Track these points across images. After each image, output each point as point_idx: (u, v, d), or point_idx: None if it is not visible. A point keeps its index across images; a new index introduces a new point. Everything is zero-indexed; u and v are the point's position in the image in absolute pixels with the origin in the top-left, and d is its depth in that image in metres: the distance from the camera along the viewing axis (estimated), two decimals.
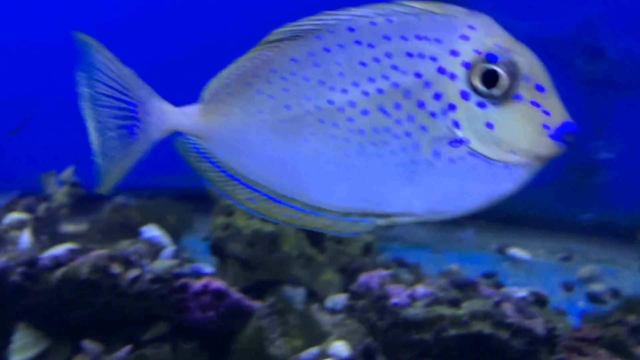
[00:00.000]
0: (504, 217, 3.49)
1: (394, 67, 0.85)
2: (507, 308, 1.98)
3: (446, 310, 1.95)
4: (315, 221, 0.92)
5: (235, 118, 0.92)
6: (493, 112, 0.84)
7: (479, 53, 0.83)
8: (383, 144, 0.87)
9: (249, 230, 2.20)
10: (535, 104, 0.84)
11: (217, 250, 2.32)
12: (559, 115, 0.86)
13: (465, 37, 0.84)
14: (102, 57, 0.96)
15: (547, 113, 0.85)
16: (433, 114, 0.85)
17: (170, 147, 3.16)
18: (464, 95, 0.84)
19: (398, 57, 0.85)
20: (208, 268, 1.71)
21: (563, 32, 3.16)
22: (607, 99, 3.23)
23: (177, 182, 3.13)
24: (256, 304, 1.69)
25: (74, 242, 2.20)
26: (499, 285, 2.17)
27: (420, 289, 2.08)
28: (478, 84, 0.83)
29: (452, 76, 0.84)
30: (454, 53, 0.84)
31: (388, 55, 0.86)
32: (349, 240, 2.46)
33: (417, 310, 1.97)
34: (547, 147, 0.87)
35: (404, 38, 0.85)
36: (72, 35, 0.98)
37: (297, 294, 2.36)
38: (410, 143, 0.86)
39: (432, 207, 0.90)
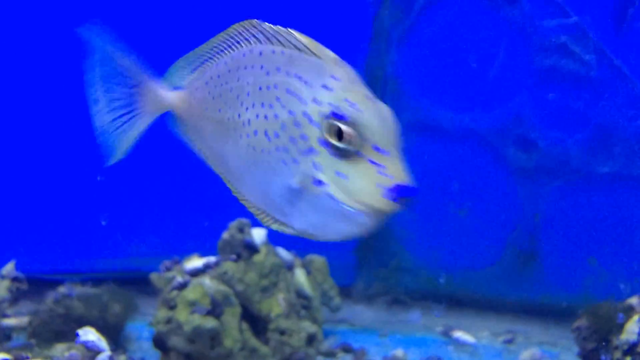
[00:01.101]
0: (449, 298, 3.46)
1: (278, 99, 0.91)
2: None
3: None
4: (249, 207, 0.99)
5: (195, 109, 1.01)
6: (342, 164, 0.88)
7: (333, 106, 0.87)
8: (267, 164, 0.93)
9: (190, 326, 2.12)
10: (373, 162, 0.87)
11: (159, 343, 2.23)
12: (392, 176, 0.88)
13: (326, 88, 0.88)
14: (106, 46, 1.04)
15: (383, 173, 0.88)
16: (301, 152, 0.90)
17: (113, 232, 3.05)
18: (322, 143, 0.89)
19: (281, 91, 0.91)
20: None
21: (496, 123, 3.21)
22: (539, 187, 3.27)
23: (122, 266, 3.06)
24: None
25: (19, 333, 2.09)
26: None
27: None
28: (330, 136, 0.87)
29: (313, 123, 0.89)
30: (316, 101, 0.89)
31: (275, 86, 0.92)
32: (293, 331, 2.39)
33: None
34: (382, 204, 0.89)
35: (288, 73, 0.90)
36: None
37: None
38: (286, 171, 0.92)
39: (305, 228, 0.95)
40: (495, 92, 3.20)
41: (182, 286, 2.20)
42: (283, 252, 2.89)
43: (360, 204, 0.89)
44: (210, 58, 1.01)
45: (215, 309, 2.16)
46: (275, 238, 2.80)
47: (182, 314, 2.15)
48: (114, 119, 1.07)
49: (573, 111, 3.21)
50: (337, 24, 3.02)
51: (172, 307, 2.20)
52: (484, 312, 3.41)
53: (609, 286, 3.25)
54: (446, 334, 3.21)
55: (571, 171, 3.28)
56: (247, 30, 0.97)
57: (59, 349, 1.71)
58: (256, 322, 2.38)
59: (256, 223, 2.70)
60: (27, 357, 1.55)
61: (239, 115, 0.95)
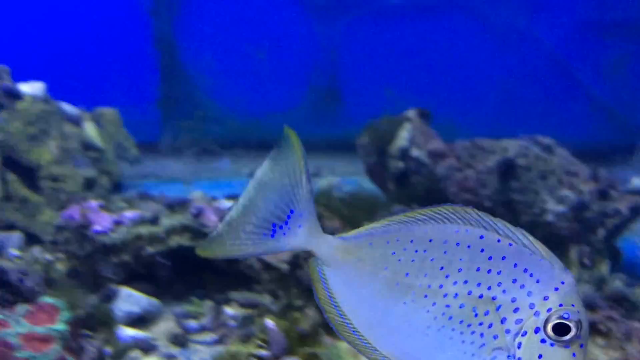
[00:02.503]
0: (258, 144, 3.43)
1: (499, 284, 1.00)
2: (208, 218, 1.90)
3: (144, 230, 1.84)
4: None
5: (364, 264, 1.03)
6: (547, 349, 0.99)
7: (561, 306, 0.99)
8: (460, 334, 1.01)
9: None
10: (574, 355, 1.00)
11: None
12: None
13: (556, 289, 1.00)
14: (296, 158, 1.02)
15: None
16: (507, 331, 1.00)
17: None
18: (537, 330, 0.99)
19: (505, 278, 1.00)
20: None
21: None
22: (335, 22, 3.24)
23: None
24: None
25: None
26: (213, 200, 2.08)
27: (127, 214, 1.95)
28: (549, 327, 0.98)
29: (537, 314, 1.00)
30: (546, 298, 0.99)
31: (499, 273, 1.01)
32: (67, 177, 2.27)
33: (116, 235, 1.83)
34: None
35: (515, 265, 1.01)
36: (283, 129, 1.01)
37: (12, 238, 2.15)
38: (479, 342, 1.00)
39: None
40: None
41: None
42: (67, 107, 2.71)
43: None
44: (402, 223, 1.04)
45: None
46: (57, 91, 2.61)
47: None
48: (247, 224, 1.02)
49: None
50: None
51: None
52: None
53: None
54: (252, 175, 3.21)
55: (364, 4, 3.27)
56: (458, 213, 1.03)
57: None
58: (26, 172, 2.23)
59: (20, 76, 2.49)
60: None
61: (441, 285, 1.01)
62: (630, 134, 3.34)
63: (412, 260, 1.02)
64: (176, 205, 2.01)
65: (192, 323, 1.75)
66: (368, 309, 1.04)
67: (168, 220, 1.86)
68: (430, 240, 1.03)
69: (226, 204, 2.06)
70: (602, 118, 3.35)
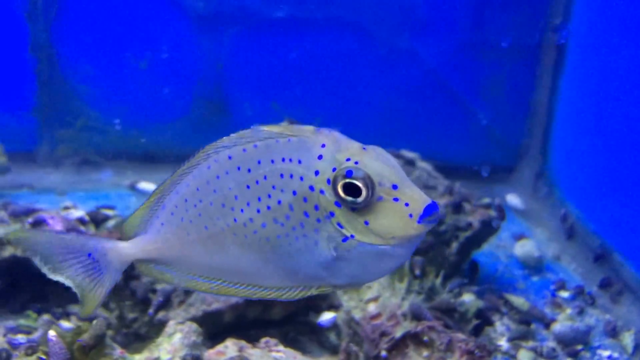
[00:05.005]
0: (142, 156, 3.32)
1: (273, 187, 0.96)
2: (52, 228, 1.78)
3: None
4: (269, 294, 1.03)
5: (172, 242, 1.04)
6: (364, 213, 0.93)
7: (335, 170, 0.93)
8: (289, 245, 0.98)
9: None
10: (395, 199, 0.93)
11: None
12: (417, 203, 0.94)
13: (320, 157, 0.94)
14: (40, 240, 1.07)
15: (407, 204, 0.93)
16: (318, 220, 0.95)
17: None
18: (337, 204, 0.94)
19: (273, 178, 0.96)
20: None
21: None
22: (220, 34, 3.17)
23: None
24: None
25: None
26: (65, 209, 1.97)
27: None
28: (343, 195, 0.92)
29: (321, 191, 0.94)
30: (316, 173, 0.94)
31: (265, 177, 0.97)
32: None
33: None
34: (416, 229, 0.94)
35: (272, 161, 0.96)
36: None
37: None
38: (311, 242, 0.97)
39: (348, 281, 0.99)
40: None
41: None
42: None
43: (397, 239, 0.94)
44: (168, 193, 1.03)
45: None
46: None
47: None
48: (84, 284, 1.08)
49: None
50: None
51: None
52: (177, 165, 3.32)
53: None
54: (132, 187, 3.10)
55: (248, 17, 3.22)
56: (204, 153, 1.00)
57: None
58: None
59: None
60: None
61: (235, 219, 0.98)
62: (508, 155, 3.42)
63: (199, 215, 1.01)
64: (21, 215, 1.89)
65: (21, 338, 1.63)
66: (214, 267, 1.03)
67: (2, 230, 1.73)
68: (198, 190, 1.01)
69: (75, 213, 1.94)
70: (482, 137, 3.40)
